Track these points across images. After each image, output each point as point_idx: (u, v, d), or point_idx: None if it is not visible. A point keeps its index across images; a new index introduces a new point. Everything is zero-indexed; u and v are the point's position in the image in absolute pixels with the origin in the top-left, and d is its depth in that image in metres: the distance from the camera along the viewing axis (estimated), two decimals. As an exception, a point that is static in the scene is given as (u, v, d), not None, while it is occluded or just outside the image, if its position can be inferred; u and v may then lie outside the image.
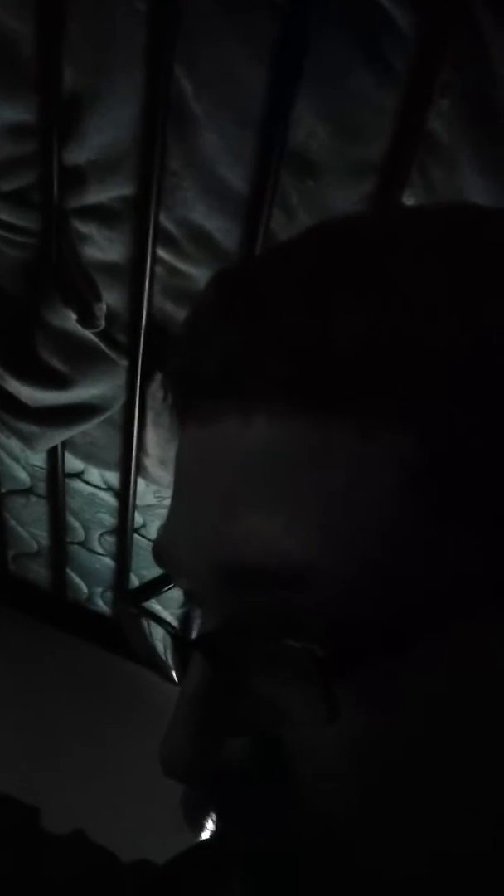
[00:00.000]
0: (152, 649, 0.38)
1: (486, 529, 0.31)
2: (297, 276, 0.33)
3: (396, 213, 0.41)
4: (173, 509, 0.37)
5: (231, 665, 0.33)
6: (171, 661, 0.37)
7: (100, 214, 1.21)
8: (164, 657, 0.38)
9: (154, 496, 1.72)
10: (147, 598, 0.39)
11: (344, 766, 0.31)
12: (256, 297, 0.34)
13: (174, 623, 0.36)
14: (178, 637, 0.36)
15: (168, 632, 0.36)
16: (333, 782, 0.32)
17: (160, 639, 0.37)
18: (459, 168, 1.03)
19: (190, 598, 0.36)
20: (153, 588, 0.39)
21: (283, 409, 0.32)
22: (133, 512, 1.75)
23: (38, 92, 1.08)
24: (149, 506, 1.75)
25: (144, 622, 0.38)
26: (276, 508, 0.32)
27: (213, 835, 0.36)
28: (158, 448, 1.55)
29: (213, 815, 0.35)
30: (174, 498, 0.37)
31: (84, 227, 1.22)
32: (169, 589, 0.39)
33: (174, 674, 0.37)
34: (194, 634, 0.35)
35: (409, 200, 1.07)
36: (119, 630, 0.39)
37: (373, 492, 0.31)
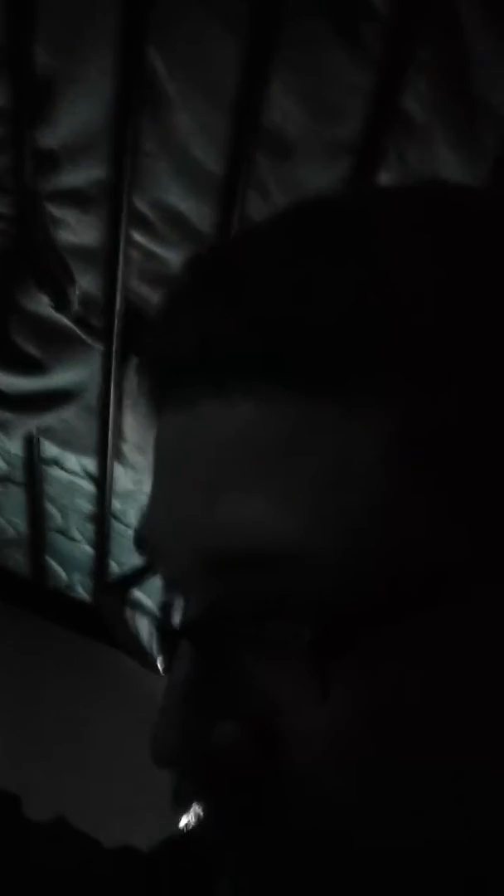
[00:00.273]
0: (136, 639, 0.37)
1: (475, 507, 0.30)
2: (276, 256, 0.33)
3: (374, 192, 0.41)
4: (153, 497, 0.36)
5: (219, 650, 0.32)
6: (155, 651, 0.37)
7: (74, 198, 1.20)
8: (147, 646, 0.37)
9: (132, 482, 1.71)
10: (129, 588, 0.38)
11: (338, 749, 0.31)
12: (234, 279, 0.33)
13: (157, 612, 0.36)
14: (164, 626, 0.35)
15: (153, 621, 0.36)
16: (327, 766, 0.31)
17: (144, 628, 0.37)
18: (434, 147, 1.03)
19: (172, 586, 0.36)
20: (135, 577, 0.38)
21: (264, 389, 0.31)
22: (111, 498, 1.75)
23: (9, 75, 1.06)
24: (127, 492, 1.75)
25: (127, 612, 0.37)
26: (260, 490, 0.31)
27: (203, 822, 0.35)
28: (136, 433, 1.54)
29: (204, 803, 0.34)
30: (154, 485, 0.36)
31: (58, 211, 1.21)
32: (151, 578, 0.38)
33: (159, 663, 0.37)
34: (177, 622, 0.35)
35: (384, 180, 1.06)
36: (100, 617, 0.39)
37: (357, 471, 0.30)
